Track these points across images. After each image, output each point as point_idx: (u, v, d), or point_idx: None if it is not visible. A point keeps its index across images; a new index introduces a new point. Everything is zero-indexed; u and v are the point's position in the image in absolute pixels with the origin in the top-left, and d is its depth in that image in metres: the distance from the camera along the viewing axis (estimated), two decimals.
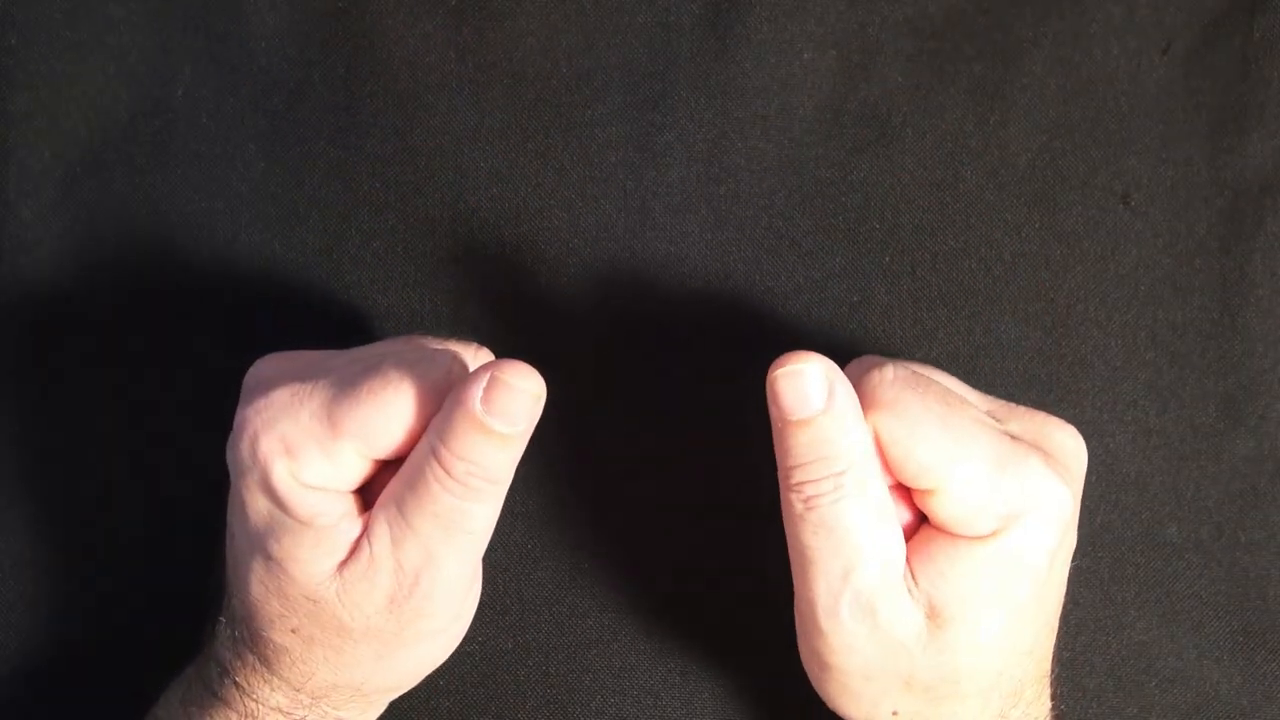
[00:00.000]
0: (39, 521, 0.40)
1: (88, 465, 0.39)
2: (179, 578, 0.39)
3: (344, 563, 0.32)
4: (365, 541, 0.32)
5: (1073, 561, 0.39)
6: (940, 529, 0.32)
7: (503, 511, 0.39)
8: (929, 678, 0.32)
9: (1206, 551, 0.39)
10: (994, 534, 0.31)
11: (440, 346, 0.33)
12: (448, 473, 0.31)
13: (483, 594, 0.39)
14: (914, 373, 0.32)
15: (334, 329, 0.40)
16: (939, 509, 0.32)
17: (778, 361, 0.31)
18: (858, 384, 0.32)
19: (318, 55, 0.40)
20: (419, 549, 0.31)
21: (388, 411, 0.31)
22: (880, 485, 0.32)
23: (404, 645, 0.33)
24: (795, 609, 0.33)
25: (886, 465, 0.32)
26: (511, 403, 0.30)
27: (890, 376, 0.32)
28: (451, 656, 0.39)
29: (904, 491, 0.33)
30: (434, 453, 0.31)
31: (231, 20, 0.40)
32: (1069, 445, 0.33)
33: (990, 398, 0.34)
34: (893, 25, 0.40)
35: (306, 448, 0.31)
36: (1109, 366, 0.40)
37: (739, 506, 0.39)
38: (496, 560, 0.39)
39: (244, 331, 0.39)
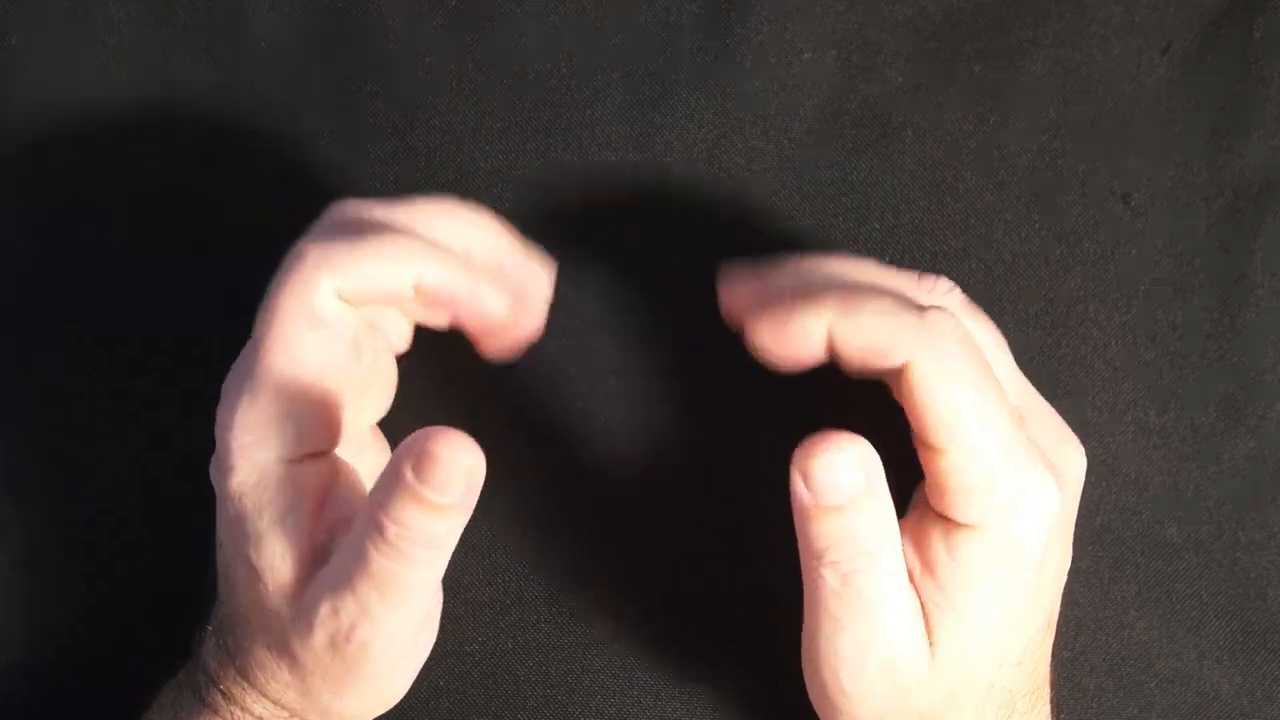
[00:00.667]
0: (37, 523, 0.40)
1: (85, 468, 0.39)
2: (177, 580, 0.39)
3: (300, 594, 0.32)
4: (310, 589, 0.31)
5: (1072, 561, 0.39)
6: (934, 507, 0.32)
7: (502, 513, 0.39)
8: (931, 702, 0.32)
9: (1206, 551, 0.39)
10: (982, 525, 0.31)
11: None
12: (381, 536, 0.30)
13: (483, 594, 0.39)
14: (969, 336, 0.32)
15: None
16: (942, 470, 0.31)
17: (807, 448, 0.30)
18: (919, 314, 0.31)
19: (318, 55, 0.40)
20: (355, 605, 0.30)
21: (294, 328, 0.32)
22: (900, 551, 0.31)
23: (352, 684, 0.32)
24: (809, 662, 0.33)
25: (902, 401, 0.31)
26: (443, 476, 0.29)
27: (952, 331, 0.31)
28: (451, 657, 0.39)
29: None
30: (371, 514, 0.30)
31: (231, 20, 0.40)
32: (1072, 458, 0.33)
33: (1027, 386, 0.35)
34: (893, 25, 0.40)
35: (250, 417, 0.32)
36: (1109, 366, 0.40)
37: (741, 507, 0.39)
38: (496, 560, 0.39)
39: (244, 332, 0.39)
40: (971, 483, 0.31)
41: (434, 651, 0.36)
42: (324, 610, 0.31)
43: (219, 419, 0.33)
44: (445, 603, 0.36)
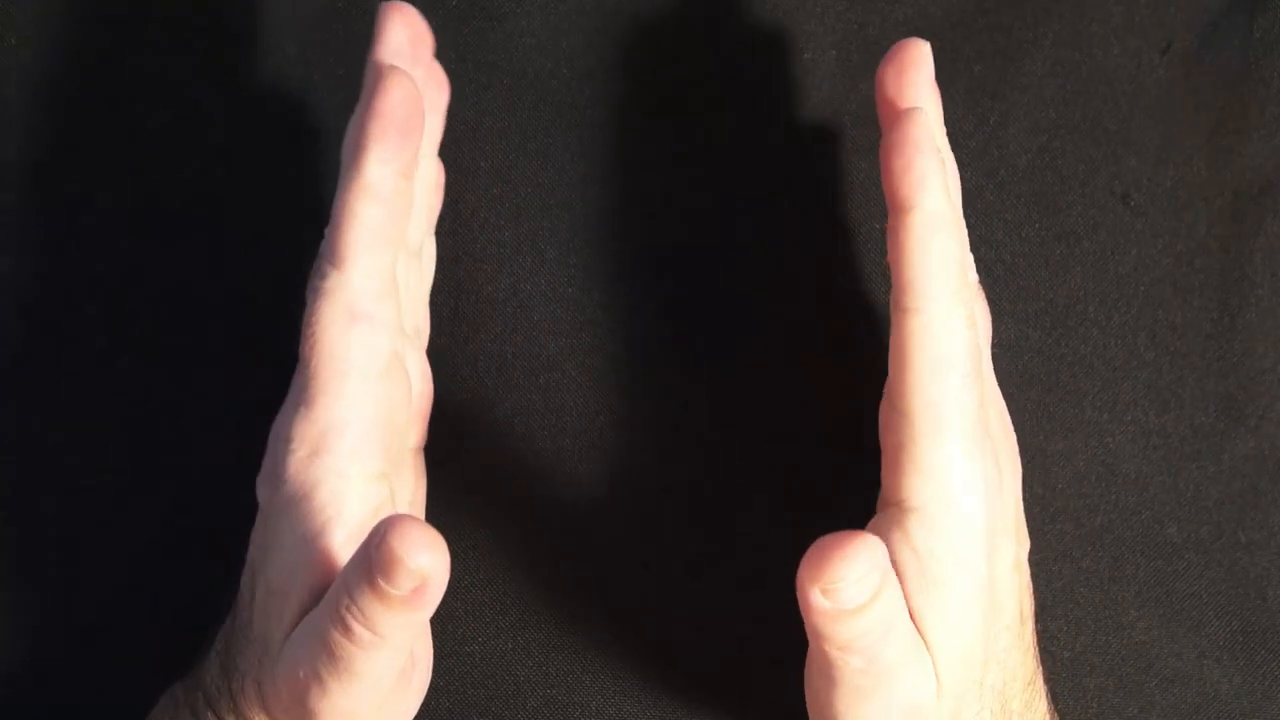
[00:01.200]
0: (36, 524, 0.40)
1: (85, 468, 0.39)
2: (181, 587, 0.39)
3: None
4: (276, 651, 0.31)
5: (1072, 561, 0.39)
6: (886, 483, 0.33)
7: (502, 513, 0.39)
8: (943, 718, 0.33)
9: (1206, 551, 0.39)
10: (923, 506, 0.32)
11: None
12: (336, 610, 0.29)
13: (482, 594, 0.39)
14: (975, 320, 0.32)
15: None
16: (902, 439, 0.32)
17: (822, 566, 0.29)
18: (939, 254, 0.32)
19: (318, 55, 0.40)
20: (310, 669, 0.30)
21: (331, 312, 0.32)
22: (904, 604, 0.31)
23: None
24: (820, 713, 0.33)
25: (893, 347, 0.32)
26: (397, 573, 0.28)
27: (966, 308, 0.32)
28: (451, 657, 0.39)
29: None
30: (336, 586, 0.29)
31: (232, 20, 0.40)
32: (1007, 463, 0.34)
33: (995, 386, 0.35)
34: (893, 25, 0.40)
35: (303, 430, 0.32)
36: (1109, 366, 0.40)
37: (743, 507, 0.39)
38: (496, 561, 0.39)
39: (244, 332, 0.39)
40: (929, 459, 0.31)
41: (434, 652, 0.36)
42: (287, 660, 0.31)
43: (275, 432, 0.33)
44: (445, 603, 0.36)
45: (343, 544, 0.32)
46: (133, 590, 0.39)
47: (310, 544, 0.31)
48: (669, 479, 0.39)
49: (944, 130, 0.35)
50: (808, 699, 0.34)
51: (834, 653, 0.31)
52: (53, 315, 0.40)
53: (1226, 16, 0.40)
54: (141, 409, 0.39)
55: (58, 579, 0.39)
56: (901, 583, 0.32)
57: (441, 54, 0.40)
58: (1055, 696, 0.36)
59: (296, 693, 0.30)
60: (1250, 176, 0.40)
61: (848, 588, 0.29)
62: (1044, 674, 0.35)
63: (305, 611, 0.31)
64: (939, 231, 0.31)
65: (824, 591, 0.29)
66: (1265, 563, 0.39)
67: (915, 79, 0.33)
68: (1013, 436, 0.35)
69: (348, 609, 0.29)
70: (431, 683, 0.37)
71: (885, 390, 0.33)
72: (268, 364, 0.37)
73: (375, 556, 0.28)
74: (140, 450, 0.39)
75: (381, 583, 0.28)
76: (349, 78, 0.40)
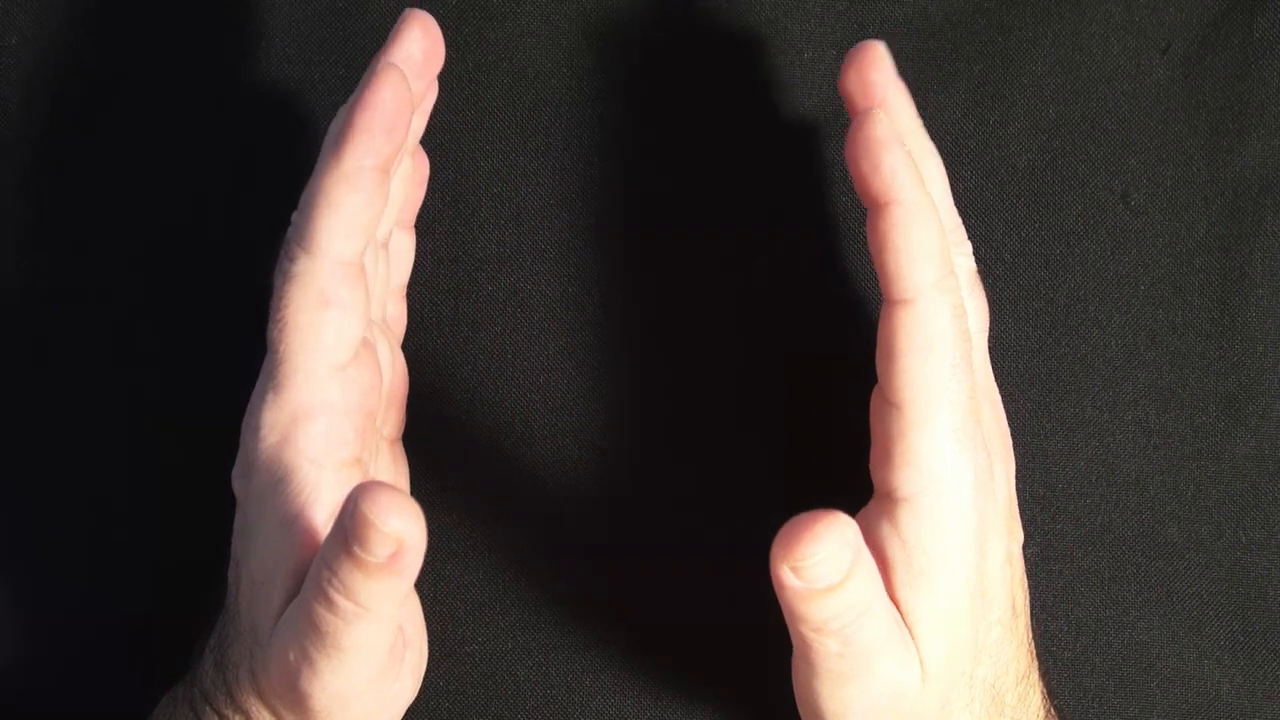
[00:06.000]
0: (36, 526, 0.40)
1: (85, 469, 0.39)
2: (178, 588, 0.39)
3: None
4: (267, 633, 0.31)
5: (1073, 561, 0.39)
6: (875, 473, 0.33)
7: (502, 512, 0.39)
8: (928, 712, 0.32)
9: (1207, 551, 0.39)
10: (913, 497, 0.32)
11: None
12: (317, 583, 0.29)
13: (482, 594, 0.39)
14: (965, 314, 0.32)
15: None
16: (891, 432, 0.32)
17: (792, 544, 0.29)
18: (925, 242, 0.32)
19: (318, 55, 0.40)
20: (297, 648, 0.30)
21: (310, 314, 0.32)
22: (882, 589, 0.31)
23: None
24: (805, 701, 0.33)
25: (880, 338, 0.32)
26: (372, 539, 0.28)
27: (954, 299, 0.32)
28: (451, 657, 0.39)
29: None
30: (317, 558, 0.29)
31: (232, 20, 0.40)
32: (998, 450, 0.34)
33: (989, 376, 0.35)
34: (893, 25, 0.40)
35: (275, 418, 0.32)
36: (1109, 366, 0.40)
37: (743, 505, 0.39)
38: (496, 561, 0.39)
39: (244, 332, 0.39)
40: (919, 448, 0.31)
41: (434, 652, 0.36)
42: (277, 645, 0.31)
43: (246, 421, 0.33)
44: (445, 603, 0.36)
45: (321, 528, 0.31)
46: (133, 592, 0.39)
47: (288, 531, 0.31)
48: (670, 479, 0.39)
49: (918, 120, 0.35)
50: (794, 688, 0.33)
51: (810, 635, 0.31)
52: (55, 315, 0.40)
53: (1226, 16, 0.40)
54: (142, 408, 0.39)
55: (58, 582, 0.39)
56: (888, 572, 0.32)
57: None
58: (1053, 694, 0.36)
59: (288, 677, 0.30)
60: (1250, 176, 0.40)
61: (817, 565, 0.29)
62: (1040, 669, 0.35)
63: (291, 597, 0.31)
64: (915, 223, 0.32)
65: (794, 570, 0.29)
66: (1266, 563, 0.39)
67: (875, 78, 0.33)
68: (1006, 428, 0.35)
69: (329, 582, 0.29)
70: (431, 683, 0.37)
71: (877, 384, 0.33)
72: None
73: (349, 524, 0.28)
74: (141, 451, 0.39)
75: (358, 550, 0.28)
76: (349, 78, 0.40)
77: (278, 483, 0.32)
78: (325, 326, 0.32)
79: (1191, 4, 0.40)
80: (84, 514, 0.39)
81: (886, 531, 0.32)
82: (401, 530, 0.28)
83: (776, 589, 0.30)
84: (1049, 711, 0.35)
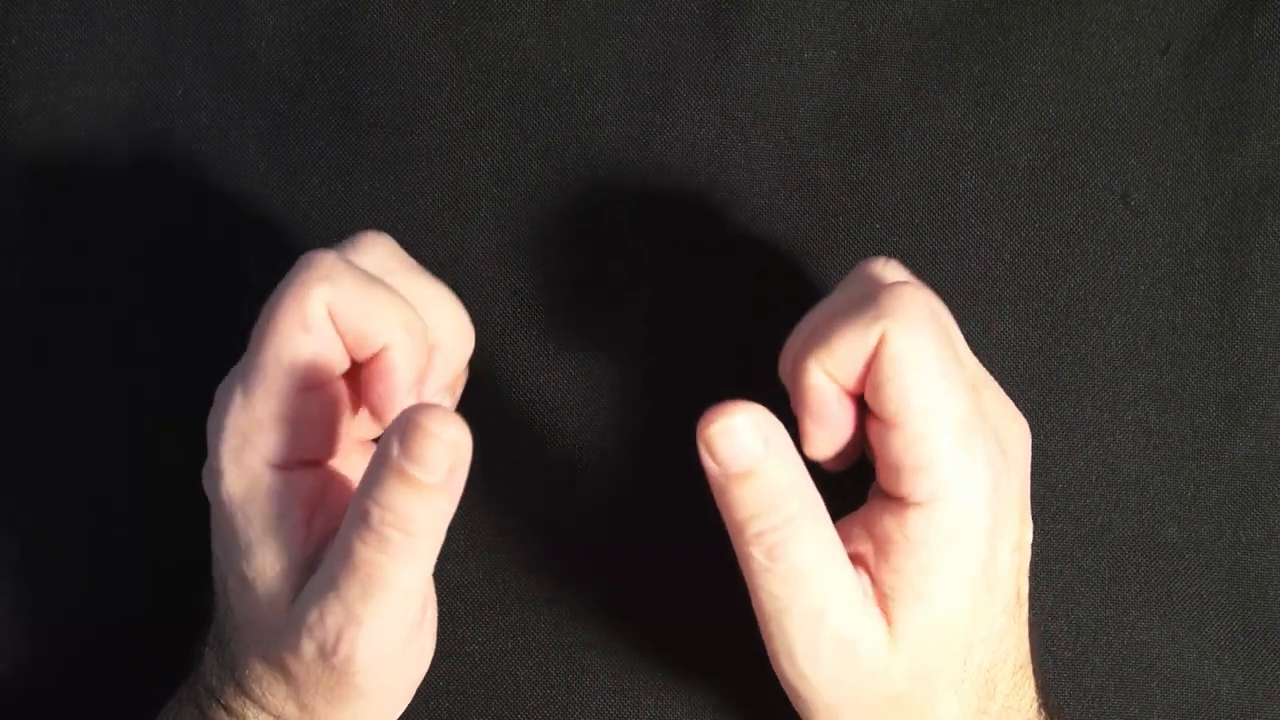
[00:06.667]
0: (36, 526, 0.40)
1: (85, 468, 0.39)
2: (178, 588, 0.39)
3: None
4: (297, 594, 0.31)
5: (1073, 561, 0.39)
6: (883, 485, 0.32)
7: (503, 512, 0.39)
8: (904, 685, 0.32)
9: (1207, 551, 0.39)
10: (929, 502, 0.31)
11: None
12: (364, 521, 0.29)
13: (483, 594, 0.39)
14: (936, 311, 0.32)
15: None
16: (892, 448, 0.31)
17: (704, 420, 0.30)
18: (886, 289, 0.31)
19: (318, 55, 0.40)
20: (339, 606, 0.30)
21: (281, 358, 0.31)
22: (828, 520, 0.31)
23: (344, 699, 0.32)
24: (770, 657, 0.33)
25: (864, 379, 0.32)
26: (428, 449, 0.29)
27: (921, 300, 0.31)
28: (451, 657, 0.39)
29: (857, 420, 0.33)
30: (356, 502, 0.30)
31: (231, 20, 0.40)
32: (1016, 435, 0.34)
33: (977, 363, 0.34)
34: (893, 25, 0.40)
35: (242, 428, 0.31)
36: (1109, 366, 0.40)
37: None
38: (496, 561, 0.39)
39: (244, 332, 0.39)
40: (927, 458, 0.31)
41: (434, 652, 0.36)
42: (311, 617, 0.31)
43: (210, 423, 0.33)
44: (445, 603, 0.36)
45: (306, 524, 0.32)
46: (133, 592, 0.39)
47: (278, 531, 0.31)
48: (671, 479, 0.39)
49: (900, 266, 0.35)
50: (767, 651, 0.33)
51: (743, 549, 0.31)
52: (55, 315, 0.40)
53: (1226, 16, 0.40)
54: (142, 408, 0.39)
55: (58, 582, 0.39)
56: (885, 556, 0.32)
57: (441, 53, 0.40)
58: (1050, 690, 0.36)
59: (326, 648, 0.31)
60: (1250, 176, 0.40)
61: (725, 440, 0.30)
62: (1035, 663, 0.35)
63: (298, 586, 0.31)
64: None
65: (708, 448, 0.30)
66: (1266, 562, 0.39)
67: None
68: (1013, 412, 0.34)
69: (381, 520, 0.29)
70: (431, 683, 0.37)
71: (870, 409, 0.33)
72: None
73: (406, 439, 0.29)
74: (141, 451, 0.39)
75: (414, 470, 0.29)
76: (349, 77, 0.40)
77: (249, 488, 0.32)
78: (306, 349, 0.32)
79: (1191, 4, 0.40)
80: (84, 514, 0.39)
81: (890, 525, 0.32)
82: (458, 439, 0.29)
83: (710, 487, 0.31)
84: (1042, 704, 0.35)
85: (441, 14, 0.40)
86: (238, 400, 0.32)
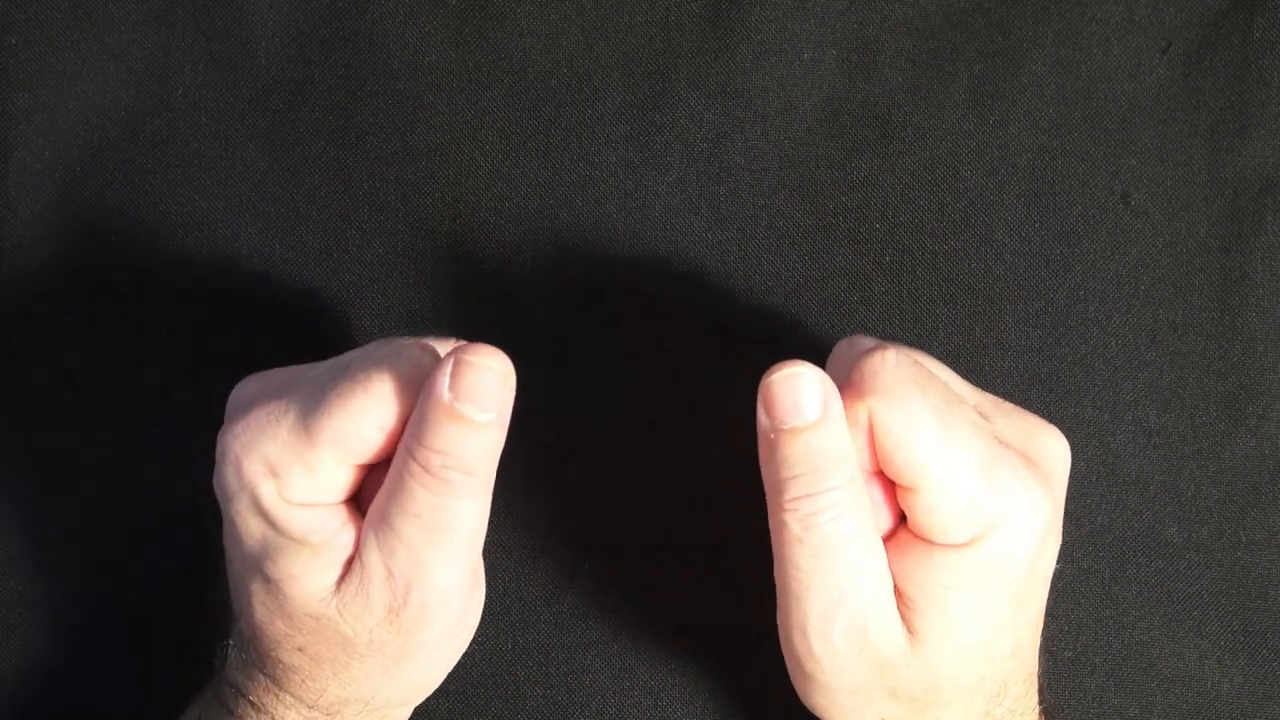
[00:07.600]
0: (35, 526, 0.40)
1: (86, 468, 0.39)
2: (178, 588, 0.39)
3: (341, 578, 0.32)
4: (358, 554, 0.31)
5: (1073, 561, 0.39)
6: (918, 535, 0.32)
7: (502, 512, 0.39)
8: (913, 688, 0.32)
9: (1207, 551, 0.39)
10: (971, 543, 0.31)
11: (414, 341, 0.33)
12: (424, 468, 0.30)
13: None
14: (916, 362, 0.32)
15: (334, 329, 0.40)
16: (919, 509, 0.31)
17: (772, 368, 0.31)
18: (856, 364, 0.31)
19: (318, 55, 0.40)
20: (406, 555, 0.31)
21: (359, 413, 0.30)
22: (867, 504, 0.31)
23: (408, 657, 0.32)
24: (781, 626, 0.33)
25: (873, 454, 0.31)
26: (478, 384, 0.30)
27: (893, 363, 0.31)
28: None
29: (885, 489, 0.32)
30: (409, 450, 0.30)
31: (231, 20, 0.40)
32: (1052, 448, 0.33)
33: (980, 392, 0.34)
34: (893, 25, 0.40)
35: (288, 465, 0.31)
36: (1109, 366, 0.40)
37: (741, 505, 0.39)
38: (496, 561, 0.39)
39: (244, 332, 0.39)
40: (947, 515, 0.31)
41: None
42: (378, 578, 0.31)
43: (234, 433, 0.32)
44: None
45: (346, 526, 0.32)
46: (133, 592, 0.39)
47: (314, 544, 0.31)
48: (671, 480, 0.39)
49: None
50: (778, 627, 0.33)
51: (778, 514, 0.31)
52: (59, 315, 0.40)
53: (1226, 16, 0.40)
54: (142, 408, 0.39)
55: (58, 582, 0.39)
56: (911, 573, 0.31)
57: (441, 54, 0.40)
58: (1050, 691, 0.36)
59: (394, 601, 0.31)
60: (1250, 176, 0.40)
61: (787, 394, 0.30)
62: (1040, 670, 0.35)
63: (341, 576, 0.31)
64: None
65: (766, 401, 0.31)
66: (1266, 562, 0.39)
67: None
68: (1037, 425, 0.33)
69: (440, 463, 0.30)
70: None
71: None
72: (279, 361, 0.37)
73: (457, 376, 0.29)
74: (136, 451, 0.39)
75: (465, 409, 0.30)
76: (349, 77, 0.40)
77: (264, 506, 0.31)
78: (372, 425, 0.31)
79: (1191, 4, 0.40)
80: (84, 514, 0.39)
81: (923, 554, 0.31)
82: (506, 370, 0.30)
83: (759, 444, 0.31)
84: (1042, 704, 0.35)
85: (441, 14, 0.40)
86: (290, 429, 0.31)
